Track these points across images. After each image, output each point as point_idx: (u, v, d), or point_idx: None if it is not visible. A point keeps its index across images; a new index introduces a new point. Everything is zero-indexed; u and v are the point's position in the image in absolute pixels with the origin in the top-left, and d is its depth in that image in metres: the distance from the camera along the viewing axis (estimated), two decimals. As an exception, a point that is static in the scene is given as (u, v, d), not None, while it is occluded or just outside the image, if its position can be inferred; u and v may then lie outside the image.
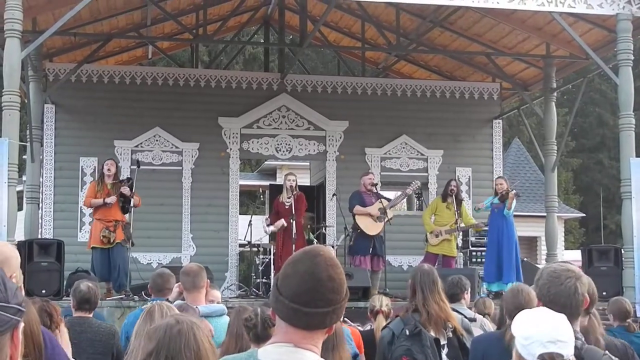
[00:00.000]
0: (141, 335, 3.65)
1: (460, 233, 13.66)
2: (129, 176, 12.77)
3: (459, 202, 13.40)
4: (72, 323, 5.88)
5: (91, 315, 6.07)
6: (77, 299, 6.07)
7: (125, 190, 12.00)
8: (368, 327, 6.91)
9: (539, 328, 2.77)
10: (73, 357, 5.60)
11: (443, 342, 5.28)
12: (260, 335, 4.01)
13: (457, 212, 13.17)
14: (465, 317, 5.98)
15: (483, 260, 13.77)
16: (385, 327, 5.51)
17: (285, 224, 12.79)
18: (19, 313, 1.67)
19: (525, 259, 16.12)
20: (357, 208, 13.11)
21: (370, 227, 12.95)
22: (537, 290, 3.41)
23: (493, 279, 12.79)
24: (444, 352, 5.30)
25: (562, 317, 2.85)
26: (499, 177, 13.75)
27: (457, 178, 15.73)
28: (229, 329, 4.70)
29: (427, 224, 13.32)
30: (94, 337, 5.83)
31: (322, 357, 2.27)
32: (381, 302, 6.79)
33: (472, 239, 14.80)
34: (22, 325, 1.70)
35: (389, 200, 13.14)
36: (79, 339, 5.74)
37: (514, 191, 12.99)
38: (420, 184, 14.19)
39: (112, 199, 11.90)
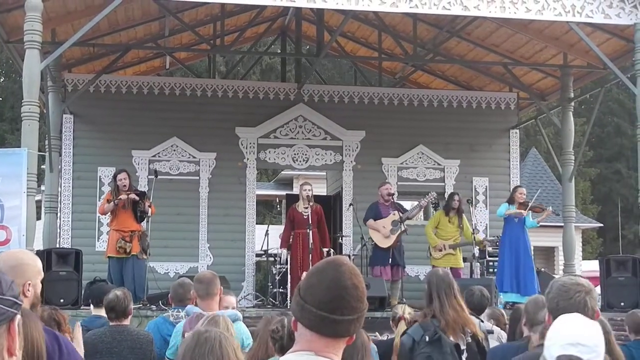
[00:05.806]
0: None
1: (477, 247, 13.55)
2: (142, 190, 12.86)
3: (460, 215, 13.34)
4: (112, 332, 5.93)
5: (128, 323, 6.09)
6: (105, 308, 6.12)
7: (132, 196, 12.05)
8: (385, 337, 6.88)
9: (561, 330, 2.73)
10: None
11: (462, 347, 5.25)
12: (286, 346, 4.04)
13: (460, 226, 13.12)
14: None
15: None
16: (404, 333, 5.46)
17: None
18: (15, 305, 1.69)
19: (542, 270, 16.01)
20: (370, 222, 13.10)
21: (384, 241, 12.96)
22: (547, 304, 3.39)
23: (509, 289, 12.64)
24: (464, 357, 5.28)
25: (593, 324, 2.78)
26: (521, 187, 13.40)
27: (473, 187, 15.74)
28: (258, 337, 4.74)
29: (432, 238, 13.18)
30: (133, 344, 5.86)
31: None
32: (404, 309, 6.76)
33: (489, 249, 14.60)
34: (18, 317, 1.71)
35: (404, 211, 13.11)
36: (120, 347, 5.79)
37: (551, 208, 13.03)
38: (437, 195, 14.14)
39: (118, 200, 11.92)
